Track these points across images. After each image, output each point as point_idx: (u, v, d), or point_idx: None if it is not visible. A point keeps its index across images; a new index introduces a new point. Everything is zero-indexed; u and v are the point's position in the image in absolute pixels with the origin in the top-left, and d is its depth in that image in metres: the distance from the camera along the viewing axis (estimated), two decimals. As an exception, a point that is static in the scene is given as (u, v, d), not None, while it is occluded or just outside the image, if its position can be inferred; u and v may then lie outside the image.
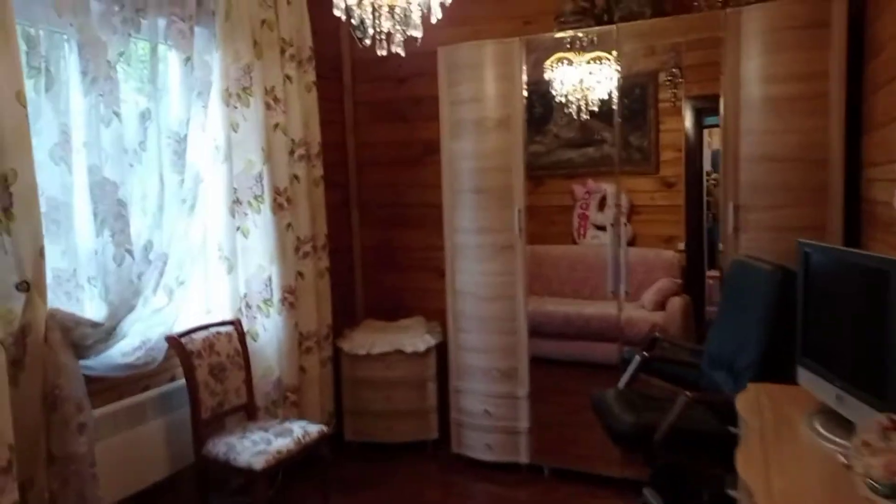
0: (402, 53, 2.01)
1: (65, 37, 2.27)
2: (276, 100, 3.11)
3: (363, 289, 4.03)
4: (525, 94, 3.21)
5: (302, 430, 2.73)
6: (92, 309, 2.36)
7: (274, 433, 2.69)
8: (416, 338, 3.55)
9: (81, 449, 2.15)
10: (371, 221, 3.97)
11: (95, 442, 2.25)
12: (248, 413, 2.90)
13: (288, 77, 3.19)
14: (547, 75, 3.49)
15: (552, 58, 3.47)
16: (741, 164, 2.81)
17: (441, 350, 3.55)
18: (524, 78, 3.20)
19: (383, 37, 2.00)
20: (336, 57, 3.83)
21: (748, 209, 2.80)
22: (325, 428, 2.82)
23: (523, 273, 3.25)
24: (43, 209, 2.16)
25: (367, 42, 2.01)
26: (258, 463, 2.48)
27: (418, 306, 3.86)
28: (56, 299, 2.22)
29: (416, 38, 2.00)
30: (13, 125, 2.02)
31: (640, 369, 2.85)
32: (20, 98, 2.04)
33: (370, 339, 3.56)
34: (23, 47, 2.12)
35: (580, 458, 3.28)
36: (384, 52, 2.03)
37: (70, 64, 2.29)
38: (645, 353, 2.88)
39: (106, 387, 2.42)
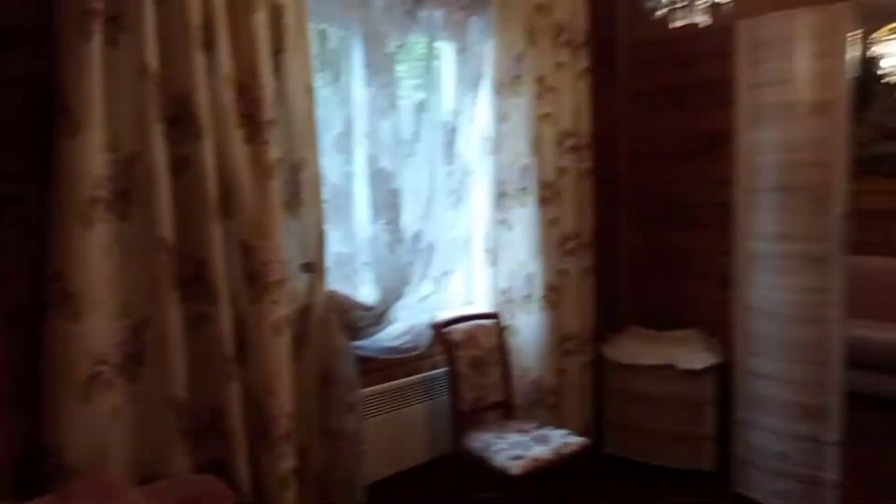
0: (708, 22, 1.70)
1: (351, 31, 2.39)
2: (546, 89, 2.96)
3: (629, 292, 3.68)
4: (851, 72, 2.58)
5: (562, 440, 2.54)
6: (365, 293, 2.46)
7: (532, 438, 2.55)
8: (691, 353, 3.12)
9: (350, 427, 2.23)
10: (642, 219, 3.61)
11: (362, 420, 2.32)
12: (506, 411, 2.80)
13: (560, 65, 3.02)
14: (872, 50, 2.80)
15: (884, 29, 2.77)
16: None
17: (721, 371, 3.07)
18: (851, 53, 2.57)
19: (681, 5, 1.72)
20: (610, 41, 3.56)
21: None
22: (586, 441, 2.58)
23: (842, 292, 2.61)
24: (327, 196, 2.30)
25: (661, 13, 1.74)
26: (514, 467, 2.34)
27: (693, 318, 3.39)
28: (335, 282, 2.35)
29: (722, 5, 1.68)
30: (303, 116, 2.17)
31: None
32: (309, 91, 2.18)
33: (637, 349, 3.23)
34: (314, 43, 2.27)
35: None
36: (681, 23, 1.74)
37: (354, 58, 2.40)
38: None
39: (374, 367, 2.50)
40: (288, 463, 2.05)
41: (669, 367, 3.09)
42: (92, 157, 1.74)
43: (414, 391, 2.63)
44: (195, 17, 1.90)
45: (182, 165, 1.93)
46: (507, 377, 2.80)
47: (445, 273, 2.66)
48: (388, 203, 2.43)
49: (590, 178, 3.20)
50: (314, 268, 2.22)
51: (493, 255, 2.89)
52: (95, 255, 1.75)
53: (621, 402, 3.25)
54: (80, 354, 1.71)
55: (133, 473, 1.82)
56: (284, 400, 2.06)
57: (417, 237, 2.51)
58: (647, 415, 3.17)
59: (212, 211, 1.94)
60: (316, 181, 2.22)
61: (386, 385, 2.54)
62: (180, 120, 1.92)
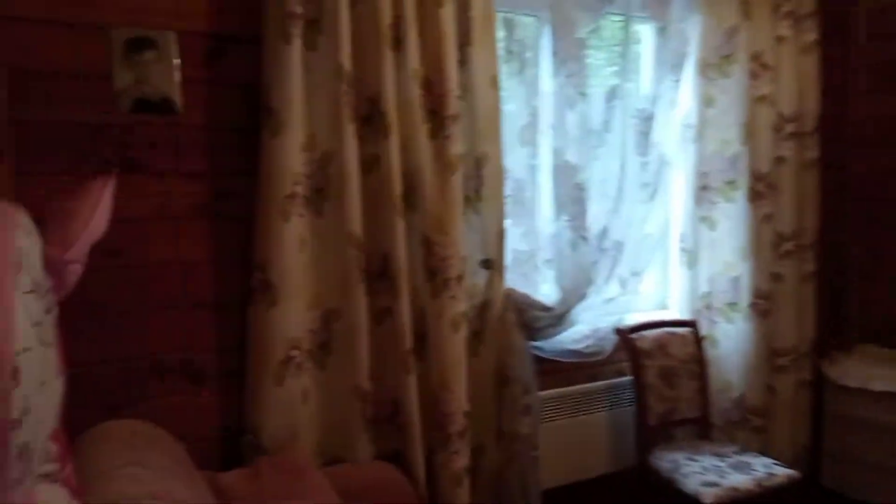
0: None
1: (540, 17, 2.29)
2: (763, 67, 2.60)
3: (861, 304, 3.13)
4: None
5: (765, 471, 2.23)
6: (545, 292, 2.36)
7: (729, 464, 2.27)
8: (941, 380, 2.57)
9: (525, 430, 2.16)
10: (880, 218, 3.03)
11: (539, 424, 2.24)
12: (701, 430, 2.53)
13: (780, 39, 2.63)
14: None
15: None
16: None
17: None
18: None
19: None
20: (843, 9, 3.02)
21: None
22: (796, 474, 2.25)
23: None
24: (509, 191, 2.23)
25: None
26: (708, 496, 2.10)
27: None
28: (515, 280, 2.28)
29: None
30: (488, 110, 2.12)
31: None
32: (495, 83, 2.13)
33: (867, 370, 2.73)
34: (501, 33, 2.21)
35: None
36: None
37: (542, 46, 2.30)
38: None
39: (553, 370, 2.39)
40: (462, 461, 2.04)
41: (912, 396, 2.58)
42: (292, 155, 1.84)
43: (595, 398, 2.47)
44: (386, 16, 1.93)
45: (371, 163, 1.98)
46: (703, 392, 2.53)
47: (635, 274, 2.46)
48: (572, 198, 2.29)
49: (815, 169, 2.77)
50: (493, 264, 2.17)
51: (692, 256, 2.62)
52: (293, 248, 1.86)
53: (845, 431, 2.77)
54: (276, 339, 1.84)
55: (319, 456, 1.92)
56: (460, 396, 2.04)
57: (603, 234, 2.34)
58: (879, 449, 2.66)
59: (396, 207, 1.97)
60: (498, 176, 2.16)
61: (565, 389, 2.42)
62: (371, 118, 1.97)
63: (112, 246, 1.74)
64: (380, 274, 2.00)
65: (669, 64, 2.48)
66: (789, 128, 2.66)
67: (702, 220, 2.62)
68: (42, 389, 0.75)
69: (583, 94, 2.31)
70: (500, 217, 2.17)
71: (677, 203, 2.63)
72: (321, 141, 1.93)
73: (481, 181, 2.15)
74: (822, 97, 2.74)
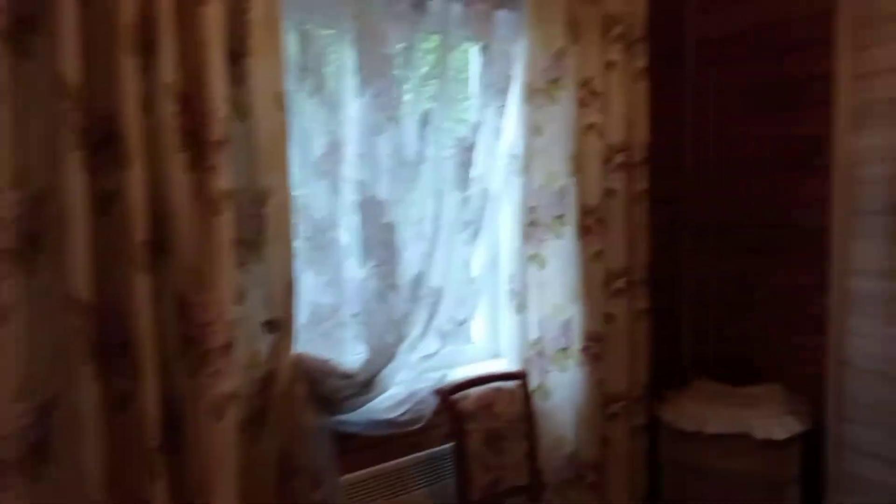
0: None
1: (341, 32, 1.94)
2: (592, 94, 2.42)
3: (694, 338, 3.07)
4: None
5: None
6: (354, 353, 1.99)
7: (559, 536, 2.02)
8: (770, 418, 2.49)
9: (319, 531, 1.77)
10: (712, 249, 2.99)
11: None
12: (531, 496, 2.27)
13: (610, 64, 2.47)
14: None
15: None
16: None
17: (811, 440, 2.46)
18: None
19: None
20: (675, 34, 2.97)
21: None
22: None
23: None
24: (306, 233, 1.86)
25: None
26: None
27: (776, 369, 2.76)
28: (314, 340, 1.89)
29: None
30: (271, 134, 1.73)
31: None
32: (280, 103, 1.74)
33: (703, 411, 2.61)
34: (294, 47, 1.84)
35: None
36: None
37: (345, 63, 1.94)
38: None
39: (366, 445, 2.02)
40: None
41: (743, 437, 2.48)
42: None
43: (416, 473, 2.13)
44: (128, 14, 1.49)
45: (106, 202, 1.52)
46: (532, 454, 2.27)
47: (459, 324, 2.17)
48: (381, 240, 1.95)
49: (645, 201, 2.63)
50: (279, 325, 1.77)
51: (521, 299, 2.37)
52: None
53: (682, 479, 2.63)
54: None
55: None
56: (227, 494, 1.61)
57: (418, 281, 2.02)
58: (715, 495, 2.55)
59: (138, 259, 1.52)
60: (285, 214, 1.77)
61: (380, 467, 2.05)
62: (105, 145, 1.51)
63: None
64: (117, 349, 1.53)
65: (493, 88, 2.23)
66: (619, 158, 2.50)
67: (530, 259, 2.38)
68: None
69: (393, 119, 1.99)
70: (288, 265, 1.77)
71: (504, 242, 2.38)
72: (35, 175, 1.45)
73: (263, 221, 1.74)
74: (653, 126, 2.62)
